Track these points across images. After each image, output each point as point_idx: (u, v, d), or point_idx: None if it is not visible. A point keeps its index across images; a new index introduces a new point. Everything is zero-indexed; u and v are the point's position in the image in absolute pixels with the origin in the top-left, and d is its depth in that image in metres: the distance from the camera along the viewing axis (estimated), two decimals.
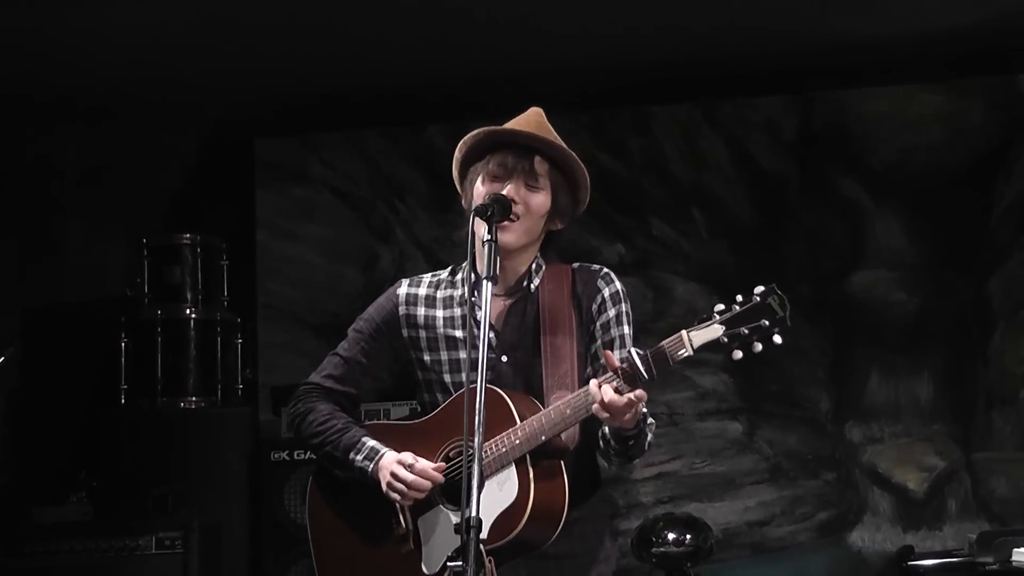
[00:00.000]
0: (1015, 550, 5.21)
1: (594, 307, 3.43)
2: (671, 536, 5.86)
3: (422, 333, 3.49)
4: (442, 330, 3.47)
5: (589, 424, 3.27)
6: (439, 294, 3.51)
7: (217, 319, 6.41)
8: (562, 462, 3.27)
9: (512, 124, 3.44)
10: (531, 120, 3.44)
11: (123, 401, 6.26)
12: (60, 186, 7.08)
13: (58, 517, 5.88)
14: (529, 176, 3.36)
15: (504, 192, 3.32)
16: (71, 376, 6.79)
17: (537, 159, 3.38)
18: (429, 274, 3.59)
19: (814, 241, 6.74)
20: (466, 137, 3.44)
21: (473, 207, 3.29)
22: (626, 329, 3.43)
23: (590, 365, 3.40)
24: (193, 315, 6.34)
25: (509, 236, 3.32)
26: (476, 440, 2.95)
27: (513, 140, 3.39)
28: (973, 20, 6.15)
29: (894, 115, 6.70)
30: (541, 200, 3.38)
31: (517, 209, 3.33)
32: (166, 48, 6.14)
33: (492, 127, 3.41)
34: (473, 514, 2.87)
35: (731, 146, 6.85)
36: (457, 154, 3.48)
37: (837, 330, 6.66)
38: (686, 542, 5.85)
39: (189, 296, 6.37)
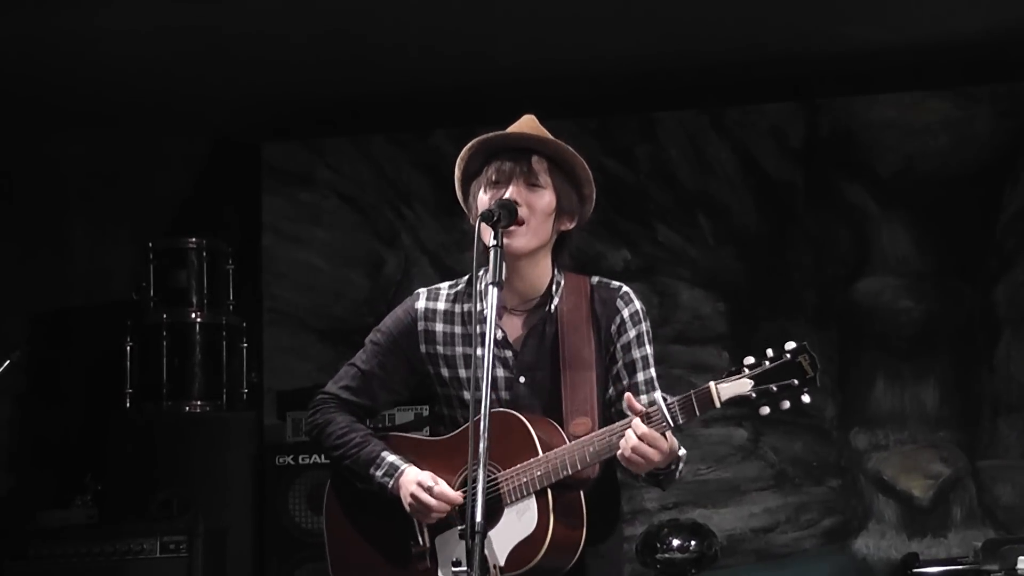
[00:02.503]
0: (1020, 558, 5.21)
1: (613, 328, 3.41)
2: (676, 542, 5.85)
3: (440, 349, 3.47)
4: (460, 348, 3.45)
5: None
6: (457, 308, 3.48)
7: (223, 323, 6.41)
8: (582, 493, 3.27)
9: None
10: (524, 126, 3.42)
11: (128, 405, 6.26)
12: (67, 189, 7.09)
13: (62, 520, 5.88)
14: (529, 176, 3.33)
15: (506, 196, 3.30)
16: (76, 379, 6.80)
17: (535, 159, 3.35)
18: (447, 284, 3.54)
19: (820, 248, 6.73)
20: (461, 152, 3.42)
21: (479, 213, 3.28)
22: (648, 349, 3.42)
23: (612, 386, 3.39)
24: (199, 319, 6.34)
25: (518, 241, 3.30)
26: (482, 445, 2.94)
27: (507, 144, 3.37)
28: (980, 27, 6.15)
29: (901, 122, 6.70)
30: (546, 200, 3.34)
31: (522, 212, 3.29)
32: (174, 52, 6.15)
33: (484, 135, 3.39)
34: (478, 519, 2.88)
35: (738, 152, 6.85)
36: (457, 172, 3.45)
37: (843, 337, 6.65)
38: (691, 548, 5.84)
39: (195, 300, 6.37)
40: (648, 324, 3.45)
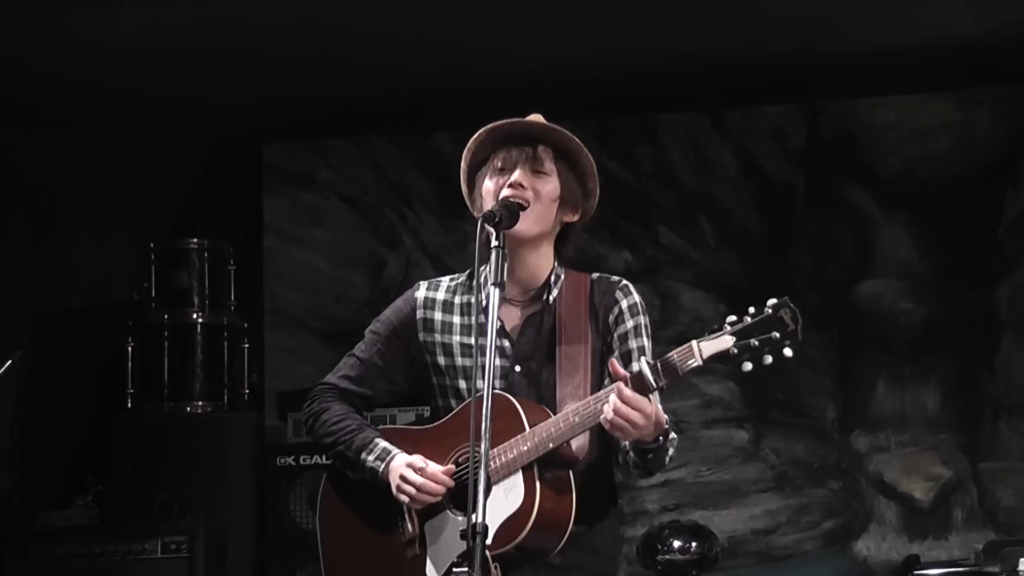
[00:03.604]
0: (1021, 560, 5.21)
1: (611, 318, 3.42)
2: (677, 544, 5.86)
3: (438, 338, 3.48)
4: (458, 337, 3.46)
5: (608, 437, 3.26)
6: (457, 299, 3.50)
7: (224, 324, 6.42)
8: (571, 472, 3.26)
9: None
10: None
11: (130, 405, 6.26)
12: (69, 190, 7.09)
13: (64, 521, 5.89)
14: (535, 163, 3.36)
15: (512, 179, 3.33)
16: (78, 380, 6.80)
17: (541, 147, 3.38)
18: (448, 277, 3.57)
19: (821, 250, 6.73)
20: (469, 143, 3.44)
21: (482, 211, 3.29)
22: (644, 341, 3.42)
23: (607, 378, 3.36)
24: (200, 320, 6.35)
25: (523, 224, 3.31)
26: (483, 445, 2.95)
27: (515, 132, 3.40)
28: (982, 30, 6.15)
29: (902, 124, 6.70)
30: (551, 186, 3.37)
31: (527, 195, 3.32)
32: (176, 54, 6.15)
33: (492, 124, 3.41)
34: (479, 520, 2.87)
35: (739, 154, 6.85)
36: (463, 163, 3.47)
37: (844, 339, 6.66)
38: (692, 550, 5.85)
39: (196, 301, 6.37)
40: (647, 318, 3.45)
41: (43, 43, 5.96)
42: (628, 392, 3.09)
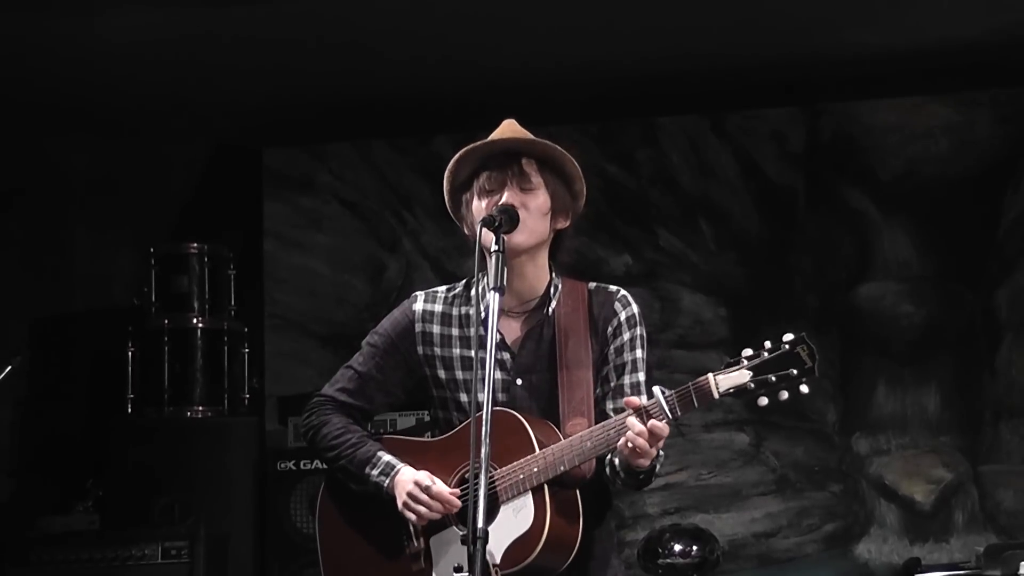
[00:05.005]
0: (1022, 563, 5.20)
1: (610, 330, 3.41)
2: (677, 547, 5.85)
3: (437, 351, 3.47)
4: (458, 350, 3.45)
5: None
6: (455, 311, 3.48)
7: (224, 328, 6.41)
8: (578, 492, 3.26)
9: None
10: (507, 131, 3.43)
11: (130, 410, 6.26)
12: (69, 195, 7.09)
13: (64, 526, 5.88)
14: (522, 179, 3.35)
15: (502, 201, 3.31)
16: (78, 385, 6.80)
17: (524, 161, 3.36)
18: (445, 288, 3.55)
19: (821, 253, 6.73)
20: (449, 165, 3.44)
21: (472, 229, 3.29)
22: (639, 353, 3.41)
23: (599, 386, 3.39)
24: (200, 324, 6.35)
25: (518, 237, 3.30)
26: (483, 451, 2.94)
27: (496, 150, 3.39)
28: (982, 32, 6.15)
29: (902, 127, 6.70)
30: (541, 199, 3.36)
31: (521, 213, 3.31)
32: (175, 58, 6.15)
33: (471, 145, 3.40)
34: (480, 525, 2.86)
35: (739, 157, 6.85)
36: (446, 184, 3.48)
37: (844, 342, 6.65)
38: (692, 553, 5.85)
39: (196, 305, 6.37)
40: (644, 329, 3.45)
41: (43, 45, 5.96)
42: (655, 423, 3.10)
